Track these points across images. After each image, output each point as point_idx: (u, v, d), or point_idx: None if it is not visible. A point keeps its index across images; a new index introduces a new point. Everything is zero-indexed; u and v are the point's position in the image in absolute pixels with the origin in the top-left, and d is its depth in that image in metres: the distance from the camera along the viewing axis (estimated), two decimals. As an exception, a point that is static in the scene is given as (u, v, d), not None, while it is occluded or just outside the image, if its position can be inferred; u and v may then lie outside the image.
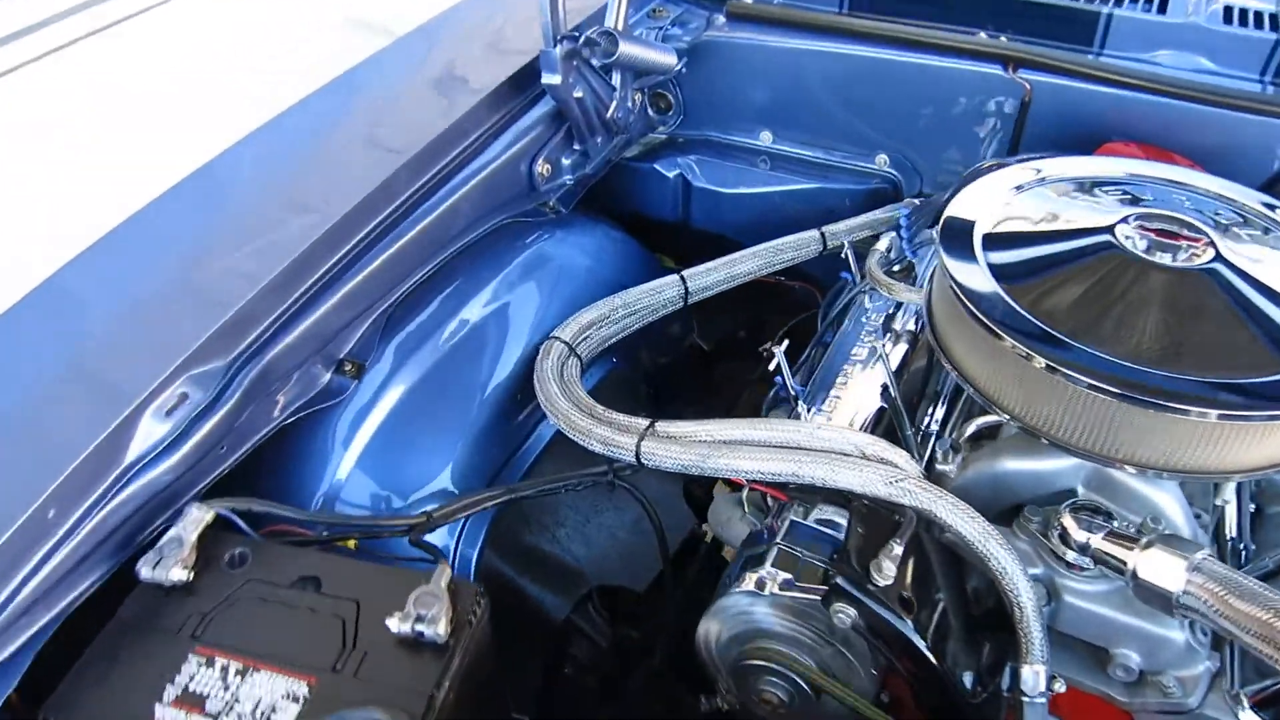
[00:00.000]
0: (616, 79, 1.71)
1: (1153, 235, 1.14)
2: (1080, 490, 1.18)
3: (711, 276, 1.67)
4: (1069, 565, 1.09)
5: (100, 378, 1.12)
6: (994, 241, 1.19)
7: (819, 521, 1.14)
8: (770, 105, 1.92)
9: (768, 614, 1.08)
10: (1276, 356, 1.04)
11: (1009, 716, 1.08)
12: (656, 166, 1.99)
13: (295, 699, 0.91)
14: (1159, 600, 1.00)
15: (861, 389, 1.38)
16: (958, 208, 1.25)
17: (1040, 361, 1.04)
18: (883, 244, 1.57)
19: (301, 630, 0.97)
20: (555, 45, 1.47)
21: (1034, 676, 1.04)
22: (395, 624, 0.94)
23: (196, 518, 1.04)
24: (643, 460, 1.20)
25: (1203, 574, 0.96)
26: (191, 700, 0.91)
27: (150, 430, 1.04)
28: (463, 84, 1.56)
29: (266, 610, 0.98)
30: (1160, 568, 0.99)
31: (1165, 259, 1.12)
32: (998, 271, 1.15)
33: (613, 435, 1.24)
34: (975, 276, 1.14)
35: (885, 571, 1.00)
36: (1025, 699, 1.04)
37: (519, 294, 1.53)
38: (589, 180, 1.75)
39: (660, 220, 2.06)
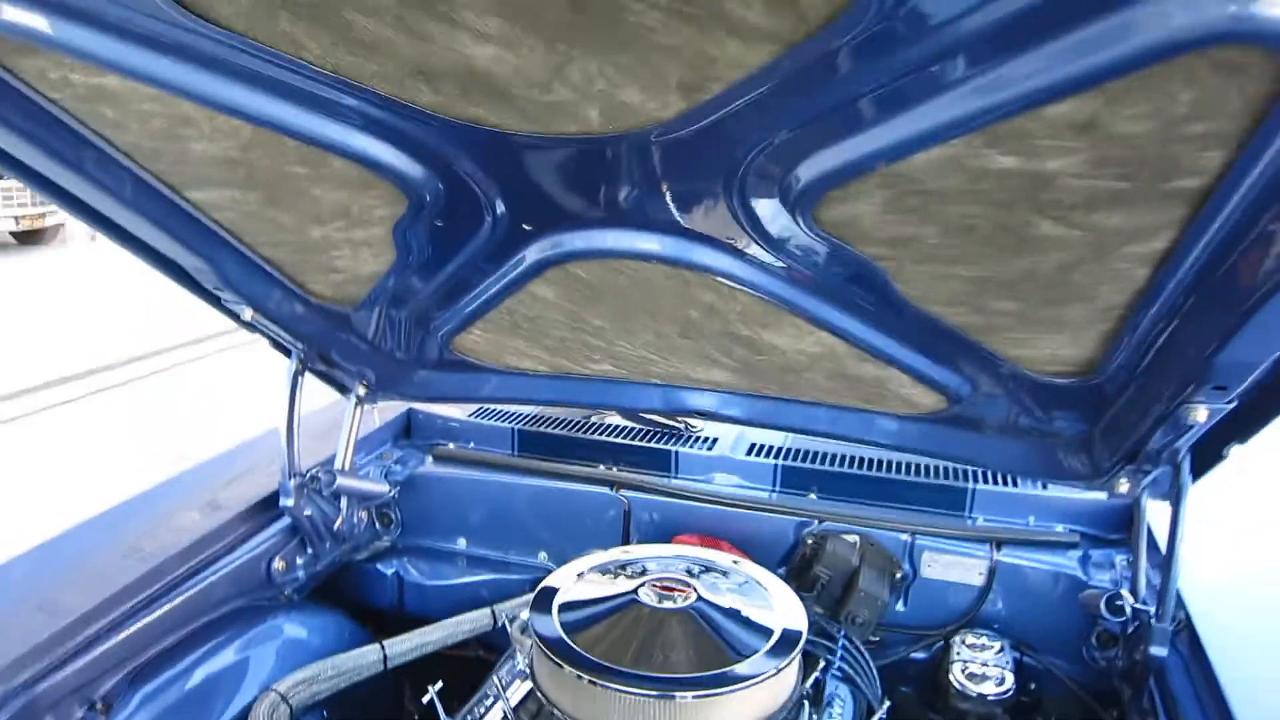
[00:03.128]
0: (344, 502, 2.37)
1: (660, 590, 1.85)
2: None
3: (406, 644, 2.23)
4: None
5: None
6: (566, 607, 1.85)
7: None
8: (464, 520, 2.65)
9: None
10: (729, 655, 1.69)
11: None
12: (378, 566, 2.62)
13: None
14: None
15: (505, 723, 1.91)
16: (550, 582, 1.92)
17: (588, 678, 1.65)
18: (524, 614, 2.20)
19: None
20: (291, 479, 2.13)
21: None
22: None
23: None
24: None
25: None
26: None
27: None
28: (220, 505, 2.17)
29: None
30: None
31: (669, 604, 1.81)
32: (567, 625, 1.79)
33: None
34: (550, 628, 1.78)
35: None
36: None
37: (250, 657, 2.03)
38: (319, 575, 2.33)
39: (380, 609, 2.63)
